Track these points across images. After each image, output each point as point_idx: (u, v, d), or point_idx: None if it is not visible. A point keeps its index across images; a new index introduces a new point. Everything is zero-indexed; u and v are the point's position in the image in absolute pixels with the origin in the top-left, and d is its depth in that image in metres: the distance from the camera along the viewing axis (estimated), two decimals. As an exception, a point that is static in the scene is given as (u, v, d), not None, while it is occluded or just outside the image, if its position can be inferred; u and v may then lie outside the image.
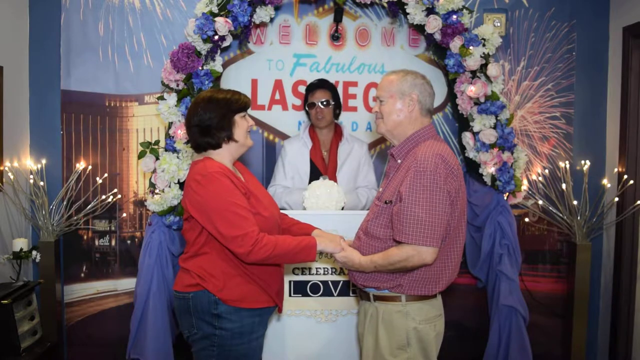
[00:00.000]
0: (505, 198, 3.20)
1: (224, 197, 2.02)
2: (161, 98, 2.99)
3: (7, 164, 3.17)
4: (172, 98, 2.97)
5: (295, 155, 3.14)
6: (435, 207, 1.95)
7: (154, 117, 3.36)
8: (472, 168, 3.26)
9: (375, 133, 3.46)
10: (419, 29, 3.22)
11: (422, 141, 2.09)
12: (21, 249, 3.07)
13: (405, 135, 2.13)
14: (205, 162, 2.10)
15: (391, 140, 2.20)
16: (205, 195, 2.03)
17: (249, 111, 2.26)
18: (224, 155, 2.16)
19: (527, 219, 3.54)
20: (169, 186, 2.97)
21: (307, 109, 3.17)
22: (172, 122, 3.00)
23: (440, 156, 1.99)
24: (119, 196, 3.38)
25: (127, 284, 3.40)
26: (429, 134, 2.12)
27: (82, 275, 3.41)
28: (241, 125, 2.16)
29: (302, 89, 3.45)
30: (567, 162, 3.46)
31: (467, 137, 3.18)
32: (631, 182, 3.27)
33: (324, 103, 3.08)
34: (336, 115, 3.20)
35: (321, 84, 3.15)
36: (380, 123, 2.17)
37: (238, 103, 2.15)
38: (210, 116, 2.10)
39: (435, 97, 2.20)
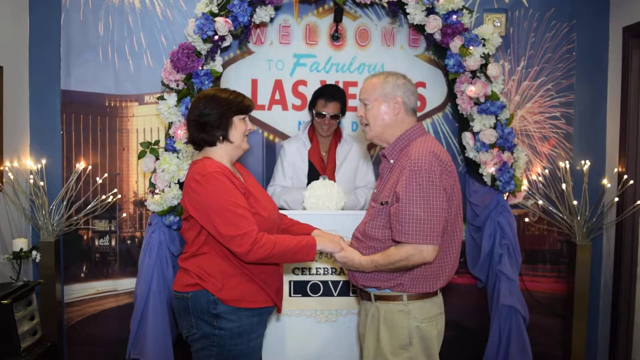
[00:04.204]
0: (505, 198, 3.20)
1: (223, 196, 2.02)
2: (161, 98, 2.99)
3: (7, 164, 3.17)
4: (172, 98, 2.97)
5: (294, 156, 3.14)
6: (432, 204, 1.95)
7: (154, 117, 3.36)
8: (472, 168, 3.26)
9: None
10: (419, 29, 3.22)
11: (413, 139, 2.10)
12: (21, 249, 3.07)
13: (394, 136, 2.13)
14: (205, 162, 2.10)
15: (380, 144, 2.20)
16: (204, 195, 2.03)
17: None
18: (222, 155, 2.16)
19: (527, 219, 3.54)
20: (169, 186, 2.97)
21: (314, 114, 3.10)
22: (172, 122, 3.00)
23: (434, 154, 1.99)
24: (119, 196, 3.39)
25: (127, 284, 3.40)
26: (419, 132, 2.13)
27: (82, 275, 3.41)
28: (239, 127, 2.15)
29: (302, 89, 3.45)
30: (567, 162, 3.46)
31: (467, 137, 3.18)
32: (631, 182, 3.27)
33: (334, 117, 3.07)
34: (339, 120, 3.19)
35: (335, 96, 3.07)
36: (367, 130, 2.18)
37: (239, 105, 2.15)
38: (209, 113, 2.11)
39: (417, 94, 2.20)
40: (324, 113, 3.06)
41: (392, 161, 2.13)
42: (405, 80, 2.15)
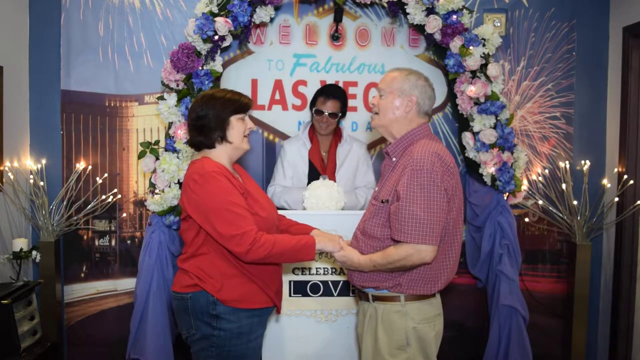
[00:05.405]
0: (505, 198, 3.20)
1: (221, 196, 2.02)
2: (161, 98, 2.99)
3: (7, 164, 3.17)
4: (172, 98, 2.97)
5: (295, 156, 3.14)
6: (433, 205, 1.95)
7: (154, 117, 3.36)
8: (472, 168, 3.26)
9: (374, 133, 3.46)
10: (419, 29, 3.22)
11: (418, 140, 2.10)
12: (21, 249, 3.07)
13: (399, 133, 2.13)
14: (203, 162, 2.10)
15: (385, 135, 2.20)
16: (202, 195, 2.03)
17: (250, 111, 2.24)
18: (221, 155, 2.15)
19: (527, 219, 3.54)
20: (169, 186, 2.97)
21: (313, 112, 3.12)
22: (172, 122, 3.00)
23: (437, 154, 1.99)
24: (119, 196, 3.38)
25: (127, 284, 3.40)
26: (424, 132, 2.13)
27: (82, 275, 3.41)
28: (237, 127, 2.14)
29: (302, 89, 3.45)
30: (567, 162, 3.46)
31: (467, 137, 3.18)
32: (631, 182, 3.27)
33: (332, 115, 3.07)
34: (339, 121, 3.19)
35: (335, 94, 3.09)
36: (375, 118, 2.18)
37: (236, 104, 2.13)
38: (206, 114, 2.10)
39: (435, 100, 2.20)
40: (322, 110, 3.06)
41: (394, 159, 2.13)
42: (425, 83, 2.14)
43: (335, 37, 3.44)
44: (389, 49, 3.49)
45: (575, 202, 3.34)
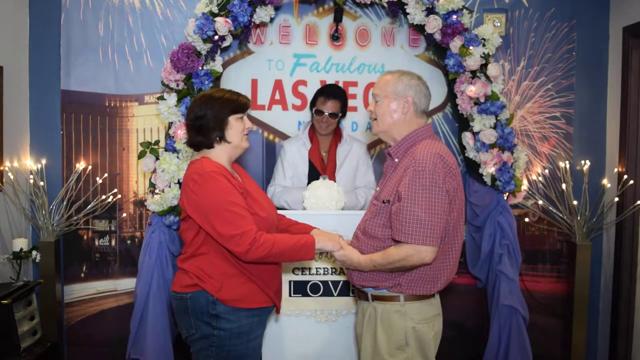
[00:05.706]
0: (505, 198, 3.20)
1: (221, 196, 2.02)
2: (161, 98, 2.99)
3: (7, 164, 3.17)
4: (172, 98, 2.97)
5: (295, 156, 3.14)
6: (434, 206, 1.95)
7: (154, 117, 3.36)
8: (472, 168, 3.26)
9: (375, 133, 3.46)
10: (419, 29, 3.22)
11: (420, 140, 2.09)
12: (21, 249, 3.07)
13: (401, 135, 2.13)
14: (203, 162, 2.10)
15: (386, 141, 2.21)
16: (202, 195, 2.03)
17: (249, 111, 2.24)
18: (221, 155, 2.15)
19: (527, 219, 3.54)
20: (169, 186, 2.97)
21: (313, 112, 3.12)
22: (172, 122, 3.00)
23: (439, 155, 1.99)
24: (119, 196, 3.39)
25: (127, 284, 3.40)
26: (426, 133, 2.12)
27: (82, 275, 3.41)
28: (236, 126, 2.14)
29: (302, 89, 3.45)
30: (567, 162, 3.46)
31: (467, 137, 3.18)
32: (631, 182, 3.27)
33: (332, 115, 3.07)
34: (339, 121, 3.19)
35: (335, 94, 3.09)
36: (374, 124, 2.19)
37: (234, 104, 2.13)
38: (204, 114, 2.10)
39: (431, 98, 2.20)
40: (322, 110, 3.06)
41: (396, 160, 2.13)
42: (419, 82, 2.15)
43: (335, 37, 3.44)
44: (389, 49, 3.49)
45: (575, 202, 3.34)
